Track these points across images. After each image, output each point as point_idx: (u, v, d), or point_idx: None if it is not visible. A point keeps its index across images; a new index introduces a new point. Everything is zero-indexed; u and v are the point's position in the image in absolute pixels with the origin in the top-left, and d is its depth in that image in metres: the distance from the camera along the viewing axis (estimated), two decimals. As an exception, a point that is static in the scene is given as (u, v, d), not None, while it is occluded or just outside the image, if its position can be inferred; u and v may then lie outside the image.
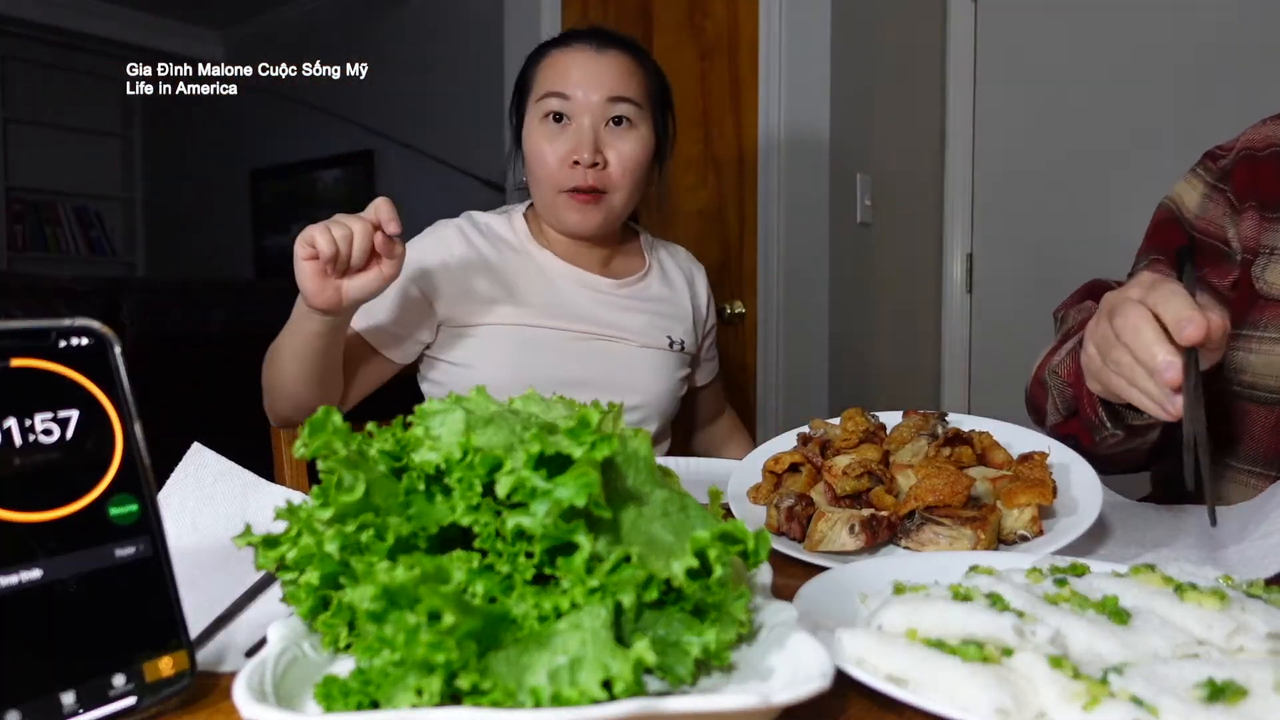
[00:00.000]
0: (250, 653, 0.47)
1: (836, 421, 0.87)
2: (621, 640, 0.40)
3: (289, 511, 0.45)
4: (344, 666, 0.41)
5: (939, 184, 2.65)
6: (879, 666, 0.43)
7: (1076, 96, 2.43)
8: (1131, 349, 0.69)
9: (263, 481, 0.76)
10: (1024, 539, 0.69)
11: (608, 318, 1.22)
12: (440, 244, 1.19)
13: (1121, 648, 0.43)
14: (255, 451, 1.03)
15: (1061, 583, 0.52)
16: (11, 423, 0.39)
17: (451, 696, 0.36)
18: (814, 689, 0.37)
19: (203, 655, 0.46)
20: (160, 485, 0.68)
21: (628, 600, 0.39)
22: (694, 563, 0.41)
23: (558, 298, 1.20)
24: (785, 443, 0.90)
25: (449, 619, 0.36)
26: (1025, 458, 0.76)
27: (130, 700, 0.40)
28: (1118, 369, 0.72)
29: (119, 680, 0.40)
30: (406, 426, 0.48)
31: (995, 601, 0.47)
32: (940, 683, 0.40)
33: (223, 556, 0.64)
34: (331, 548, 0.43)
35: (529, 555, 0.41)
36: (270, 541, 0.45)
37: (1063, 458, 0.80)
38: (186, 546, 0.66)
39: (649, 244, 1.35)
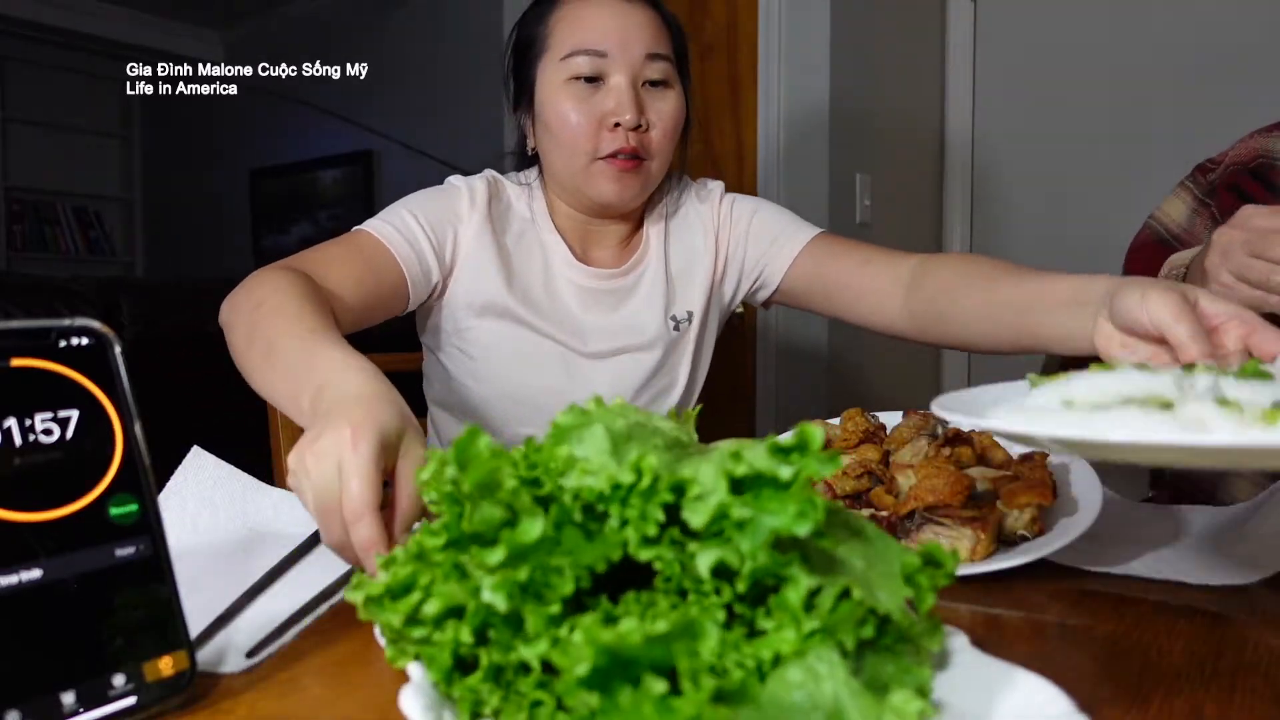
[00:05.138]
0: (250, 653, 0.47)
1: (836, 421, 0.87)
2: None
3: (416, 556, 0.38)
4: None
5: (939, 184, 2.65)
6: (1041, 434, 0.40)
7: (1076, 96, 2.43)
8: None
9: (263, 485, 0.76)
10: (1024, 539, 0.69)
11: (603, 324, 1.12)
12: (455, 212, 1.06)
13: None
14: (254, 452, 1.03)
15: (1190, 368, 0.50)
16: (11, 423, 0.39)
17: None
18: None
19: (203, 655, 0.46)
20: (160, 485, 0.68)
21: (849, 641, 0.33)
22: (909, 591, 0.36)
23: (555, 301, 1.11)
24: (785, 443, 0.90)
25: (706, 683, 0.30)
26: (1025, 458, 0.76)
27: (130, 700, 0.40)
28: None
29: (119, 680, 0.40)
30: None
31: (1143, 369, 0.46)
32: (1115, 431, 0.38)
33: (223, 557, 0.64)
34: (497, 598, 0.35)
35: (736, 595, 0.35)
36: (396, 591, 0.37)
37: (1063, 457, 0.80)
38: (186, 547, 0.66)
39: (657, 213, 1.17)
